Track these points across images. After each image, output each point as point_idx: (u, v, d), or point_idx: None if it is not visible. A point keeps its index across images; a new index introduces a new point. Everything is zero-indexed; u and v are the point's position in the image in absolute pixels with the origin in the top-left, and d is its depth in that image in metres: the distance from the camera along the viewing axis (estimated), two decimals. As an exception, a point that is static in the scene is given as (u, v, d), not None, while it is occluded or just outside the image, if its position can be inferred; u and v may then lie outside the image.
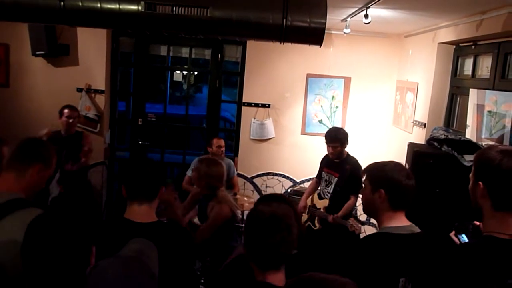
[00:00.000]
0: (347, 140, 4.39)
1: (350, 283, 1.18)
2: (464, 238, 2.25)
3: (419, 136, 4.58)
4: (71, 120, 4.81)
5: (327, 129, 4.55)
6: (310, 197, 4.71)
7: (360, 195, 2.15)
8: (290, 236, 1.67)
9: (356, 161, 4.39)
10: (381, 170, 2.00)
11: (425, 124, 4.49)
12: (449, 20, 4.10)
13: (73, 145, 4.74)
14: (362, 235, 3.26)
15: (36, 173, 2.03)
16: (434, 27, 4.44)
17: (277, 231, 1.65)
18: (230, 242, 3.29)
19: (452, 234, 2.28)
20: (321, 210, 4.47)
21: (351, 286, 1.16)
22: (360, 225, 3.94)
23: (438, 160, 3.49)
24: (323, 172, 4.57)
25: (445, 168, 3.42)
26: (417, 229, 1.95)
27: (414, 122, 4.77)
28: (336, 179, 4.41)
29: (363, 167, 2.08)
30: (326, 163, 4.57)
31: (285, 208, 1.77)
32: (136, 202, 2.08)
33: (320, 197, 4.57)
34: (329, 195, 4.46)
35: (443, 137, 3.66)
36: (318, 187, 4.68)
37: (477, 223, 2.22)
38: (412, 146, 3.82)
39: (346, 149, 4.45)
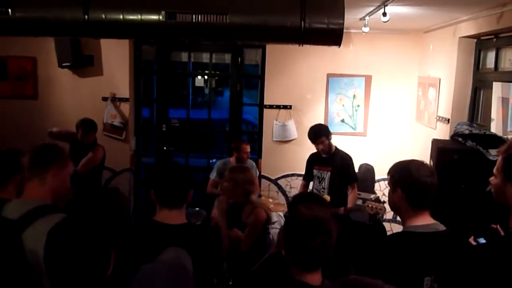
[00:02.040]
0: (330, 132, 4.50)
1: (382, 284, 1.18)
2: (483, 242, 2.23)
3: (443, 132, 4.54)
4: (80, 133, 4.82)
5: (309, 129, 4.58)
6: None
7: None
8: (330, 240, 1.70)
9: (345, 153, 4.52)
10: (398, 170, 2.01)
11: (448, 119, 4.45)
12: (469, 14, 4.06)
13: (85, 154, 4.78)
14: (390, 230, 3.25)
15: (55, 175, 2.10)
16: (454, 21, 4.40)
17: (318, 235, 1.67)
18: (261, 242, 3.34)
19: (471, 239, 2.26)
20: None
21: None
22: (381, 204, 3.84)
23: (463, 156, 3.46)
24: (314, 170, 4.63)
25: (470, 163, 3.39)
26: (442, 227, 1.95)
27: (438, 117, 4.73)
28: (329, 173, 4.49)
29: (390, 164, 2.08)
30: (315, 161, 4.65)
31: (325, 212, 1.79)
32: (167, 208, 2.14)
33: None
34: (325, 190, 4.52)
35: (467, 132, 3.63)
36: (307, 189, 4.75)
37: (495, 226, 2.20)
38: (436, 142, 3.81)
39: (335, 144, 4.57)
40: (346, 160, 4.46)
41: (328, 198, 4.45)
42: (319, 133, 4.45)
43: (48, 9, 3.34)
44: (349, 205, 4.36)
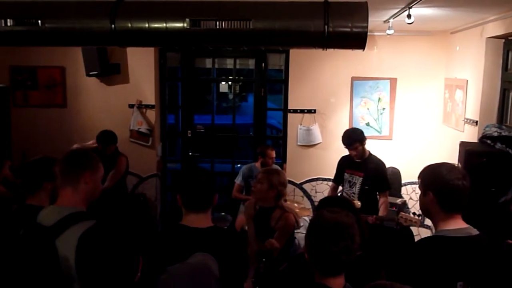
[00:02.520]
0: (365, 137, 4.38)
1: None
2: None
3: (471, 134, 4.46)
4: (96, 146, 4.93)
5: (343, 134, 4.48)
6: None
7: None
8: (353, 245, 1.69)
9: (379, 159, 4.40)
10: (429, 173, 1.99)
11: (476, 121, 4.36)
12: (497, 14, 3.98)
13: (107, 164, 4.87)
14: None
15: (88, 180, 2.13)
16: (481, 22, 4.32)
17: (341, 239, 1.67)
18: (288, 247, 3.34)
19: None
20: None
21: None
22: (416, 217, 3.75)
23: (492, 158, 3.40)
24: (346, 174, 4.53)
25: (500, 166, 3.33)
26: (474, 232, 1.91)
27: (465, 120, 4.64)
28: (360, 178, 4.39)
29: (417, 168, 2.06)
30: (347, 164, 4.54)
31: (349, 216, 1.79)
32: (193, 212, 2.16)
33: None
34: (354, 195, 4.42)
35: (496, 134, 3.56)
36: (337, 192, 4.68)
37: (511, 241, 2.13)
38: (464, 145, 3.74)
39: (368, 148, 4.45)
40: (380, 167, 4.33)
41: (358, 203, 4.41)
42: (353, 138, 4.34)
43: (76, 20, 3.44)
44: (381, 213, 4.20)
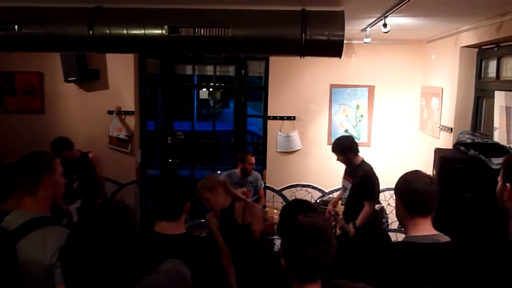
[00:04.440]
0: (349, 148, 4.43)
1: None
2: None
3: (446, 141, 4.55)
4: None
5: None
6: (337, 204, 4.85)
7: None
8: (330, 249, 1.67)
9: (369, 167, 4.43)
10: (399, 179, 2.07)
11: (451, 128, 4.46)
12: (470, 24, 4.08)
13: (80, 167, 4.90)
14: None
15: (47, 186, 2.12)
16: (456, 31, 4.42)
17: (318, 243, 1.65)
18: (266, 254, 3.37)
19: None
20: (341, 217, 4.60)
21: None
22: (351, 227, 4.23)
23: (466, 165, 3.47)
24: (343, 179, 4.67)
25: (473, 172, 3.40)
26: (444, 238, 1.95)
27: (441, 127, 4.74)
28: (350, 185, 4.49)
29: (395, 174, 2.13)
30: (345, 170, 4.66)
31: (325, 220, 1.80)
32: (164, 221, 2.15)
33: (342, 204, 4.69)
34: (345, 200, 4.57)
35: (469, 141, 3.64)
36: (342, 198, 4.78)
37: None
38: (438, 152, 3.81)
39: (361, 156, 4.53)
40: (366, 175, 4.36)
41: (340, 210, 4.54)
42: (334, 149, 4.50)
43: (53, 25, 3.42)
44: (359, 220, 4.27)
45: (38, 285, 1.99)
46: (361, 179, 4.36)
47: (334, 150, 4.49)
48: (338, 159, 4.51)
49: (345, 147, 4.44)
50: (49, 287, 1.98)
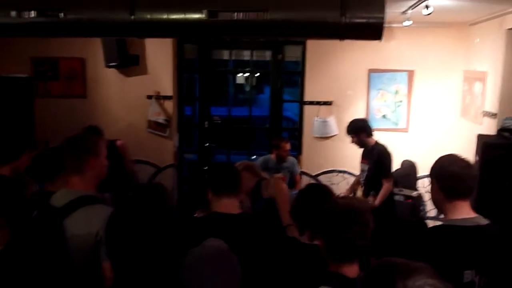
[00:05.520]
0: (362, 129, 4.57)
1: (429, 267, 1.16)
2: None
3: (489, 127, 4.41)
4: None
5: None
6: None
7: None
8: (367, 230, 1.71)
9: (384, 146, 4.55)
10: (434, 162, 2.04)
11: (495, 114, 4.32)
12: (517, 5, 3.93)
13: (109, 155, 4.87)
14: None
15: (93, 166, 2.22)
16: (501, 13, 4.26)
17: (355, 224, 1.69)
18: None
19: None
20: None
21: (430, 270, 1.13)
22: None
23: (510, 151, 3.37)
24: (360, 164, 4.79)
25: (518, 158, 3.31)
26: (484, 221, 1.93)
27: (484, 112, 4.60)
28: (367, 166, 4.60)
29: (432, 161, 2.10)
30: (362, 154, 4.77)
31: (361, 202, 1.82)
32: (225, 196, 2.27)
33: (362, 186, 4.80)
34: (363, 182, 4.69)
35: (514, 126, 3.53)
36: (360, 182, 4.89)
37: None
38: (481, 138, 3.72)
39: (375, 138, 4.64)
40: (381, 153, 4.50)
41: (360, 193, 4.60)
42: (347, 130, 4.65)
43: (96, 11, 3.50)
44: (376, 201, 4.38)
45: (84, 260, 2.08)
46: (377, 158, 4.48)
47: (348, 131, 4.63)
48: (352, 141, 4.63)
49: (358, 128, 4.58)
50: (95, 263, 2.07)
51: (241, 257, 1.74)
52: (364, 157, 4.72)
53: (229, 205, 2.27)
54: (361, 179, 4.77)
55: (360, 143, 4.63)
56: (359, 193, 4.81)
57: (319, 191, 2.33)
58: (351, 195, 4.80)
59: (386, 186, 4.45)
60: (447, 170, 1.95)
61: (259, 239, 2.19)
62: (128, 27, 3.46)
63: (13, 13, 3.48)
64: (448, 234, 1.90)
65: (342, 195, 4.76)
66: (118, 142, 4.96)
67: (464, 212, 1.93)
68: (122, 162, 4.99)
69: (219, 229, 2.09)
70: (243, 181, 3.39)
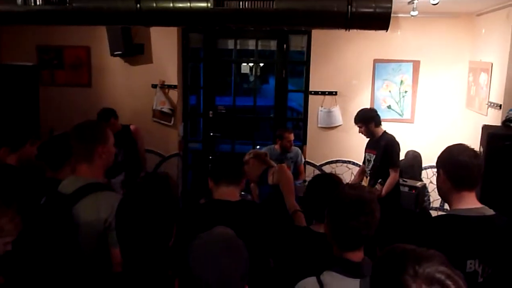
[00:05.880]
0: (372, 119, 4.59)
1: (440, 254, 1.16)
2: None
3: (494, 118, 4.41)
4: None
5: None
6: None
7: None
8: (373, 220, 1.73)
9: (392, 136, 4.58)
10: (441, 152, 2.04)
11: (500, 105, 4.31)
12: (525, -5, 3.90)
13: (123, 140, 4.66)
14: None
15: (101, 154, 2.24)
16: (508, 4, 4.23)
17: (362, 214, 1.71)
18: None
19: None
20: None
21: (441, 257, 1.12)
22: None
23: (515, 142, 3.37)
24: (365, 154, 4.80)
25: (523, 149, 3.31)
26: (489, 212, 1.94)
27: (489, 103, 4.59)
28: (374, 156, 4.62)
29: (438, 152, 2.10)
30: (367, 144, 4.79)
31: (370, 192, 1.84)
32: (224, 185, 2.30)
33: (367, 177, 4.83)
34: (369, 172, 4.71)
35: (520, 117, 3.53)
36: (365, 172, 4.91)
37: None
38: (486, 128, 3.72)
39: (383, 128, 4.67)
40: (389, 143, 4.52)
41: (365, 182, 4.63)
42: (356, 120, 4.65)
43: (102, 0, 3.51)
44: (383, 191, 4.43)
45: (93, 246, 2.11)
46: (385, 147, 4.50)
47: (357, 120, 4.63)
48: (360, 131, 4.65)
49: (368, 118, 4.59)
50: (103, 249, 2.10)
51: None
52: (370, 147, 4.73)
53: (227, 193, 2.31)
54: (367, 169, 4.78)
55: (368, 133, 4.64)
56: (364, 183, 4.83)
57: (329, 181, 2.35)
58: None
59: (393, 176, 4.49)
60: (456, 159, 1.94)
61: (257, 226, 2.22)
62: (134, 16, 3.48)
63: (19, 1, 3.49)
64: (452, 224, 1.91)
65: (351, 182, 4.81)
66: (132, 127, 5.00)
67: (470, 202, 1.94)
68: (135, 146, 5.02)
69: (217, 215, 2.16)
70: (252, 169, 3.47)
